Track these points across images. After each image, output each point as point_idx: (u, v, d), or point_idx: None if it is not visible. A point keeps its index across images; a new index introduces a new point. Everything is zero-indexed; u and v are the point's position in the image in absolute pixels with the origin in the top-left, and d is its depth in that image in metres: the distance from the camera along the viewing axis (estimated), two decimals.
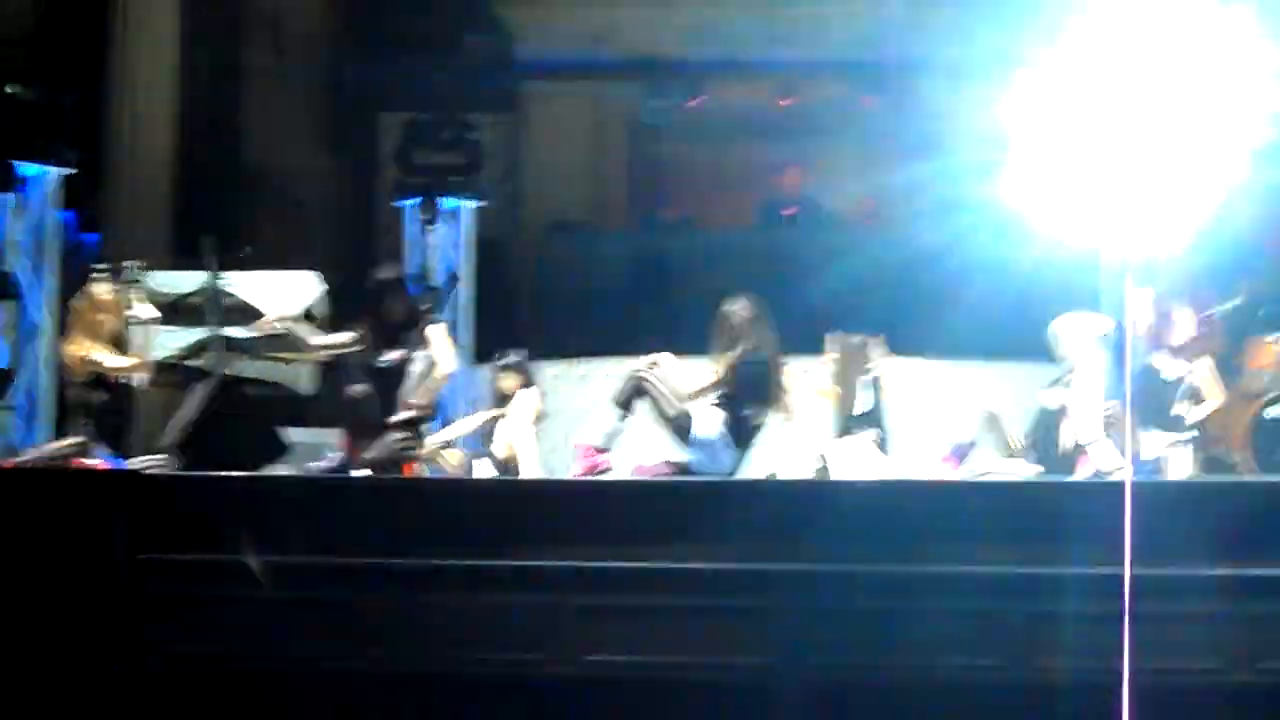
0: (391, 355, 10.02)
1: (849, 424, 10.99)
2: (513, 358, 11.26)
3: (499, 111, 17.45)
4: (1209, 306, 11.81)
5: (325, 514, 8.15)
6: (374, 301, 10.28)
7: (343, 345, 10.39)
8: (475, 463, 10.84)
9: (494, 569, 7.88)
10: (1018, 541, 7.68)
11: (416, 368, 10.05)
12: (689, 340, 13.15)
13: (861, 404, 11.00)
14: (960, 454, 9.96)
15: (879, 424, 10.93)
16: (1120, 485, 7.18)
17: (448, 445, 11.05)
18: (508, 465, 10.94)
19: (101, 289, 10.01)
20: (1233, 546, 7.55)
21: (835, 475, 10.54)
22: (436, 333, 10.16)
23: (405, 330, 10.16)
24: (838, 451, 10.89)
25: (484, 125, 14.14)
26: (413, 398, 10.03)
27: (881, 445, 10.88)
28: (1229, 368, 11.92)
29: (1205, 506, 7.84)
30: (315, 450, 11.67)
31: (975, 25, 17.16)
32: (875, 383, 11.03)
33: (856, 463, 10.80)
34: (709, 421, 9.82)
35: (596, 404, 12.96)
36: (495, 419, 11.15)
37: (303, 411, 12.70)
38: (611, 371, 13.15)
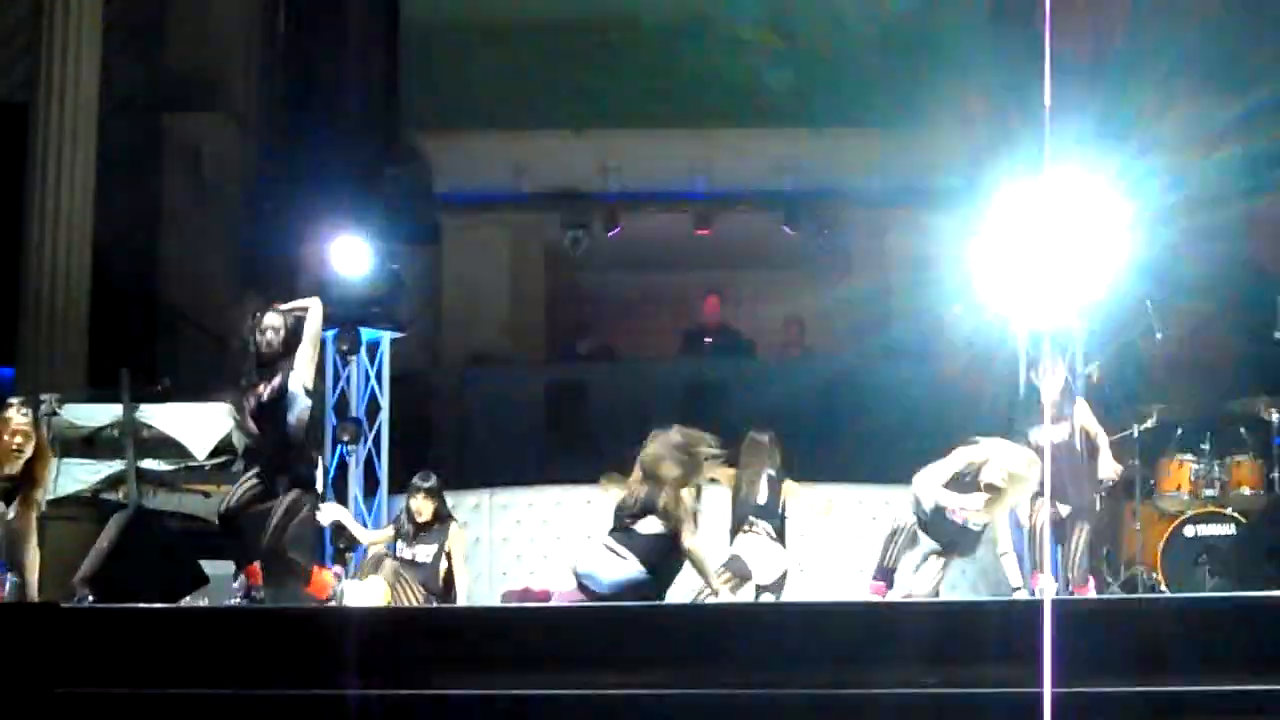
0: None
1: (746, 514, 11.11)
2: (430, 480, 11.30)
3: (419, 242, 17.52)
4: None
5: (245, 646, 8.07)
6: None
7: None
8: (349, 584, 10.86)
9: (420, 698, 7.81)
10: (944, 662, 7.68)
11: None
12: (608, 468, 13.14)
13: (760, 497, 11.13)
14: (885, 576, 10.01)
15: (775, 517, 11.08)
16: (1039, 604, 7.21)
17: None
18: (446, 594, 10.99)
19: (14, 414, 9.91)
20: (1150, 664, 7.58)
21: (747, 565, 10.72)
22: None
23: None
24: (741, 544, 11.01)
25: (403, 256, 14.15)
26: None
27: (775, 537, 11.02)
28: (1145, 488, 12.07)
29: (1124, 624, 7.87)
30: (235, 581, 11.61)
31: (889, 154, 17.54)
32: (773, 479, 11.19)
33: (757, 554, 10.91)
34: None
35: (517, 532, 13.03)
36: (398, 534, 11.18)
37: (222, 544, 12.62)
38: (532, 501, 13.20)
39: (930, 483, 10.09)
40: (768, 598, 11.09)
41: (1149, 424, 12.09)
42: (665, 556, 9.83)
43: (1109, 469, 10.74)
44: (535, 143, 17.79)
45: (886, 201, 17.45)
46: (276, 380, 9.90)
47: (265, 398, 9.92)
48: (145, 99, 17.66)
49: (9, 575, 10.13)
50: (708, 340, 16.95)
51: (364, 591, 10.70)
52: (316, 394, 10.34)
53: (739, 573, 11.06)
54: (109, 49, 15.19)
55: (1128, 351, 12.62)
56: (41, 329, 13.55)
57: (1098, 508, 10.83)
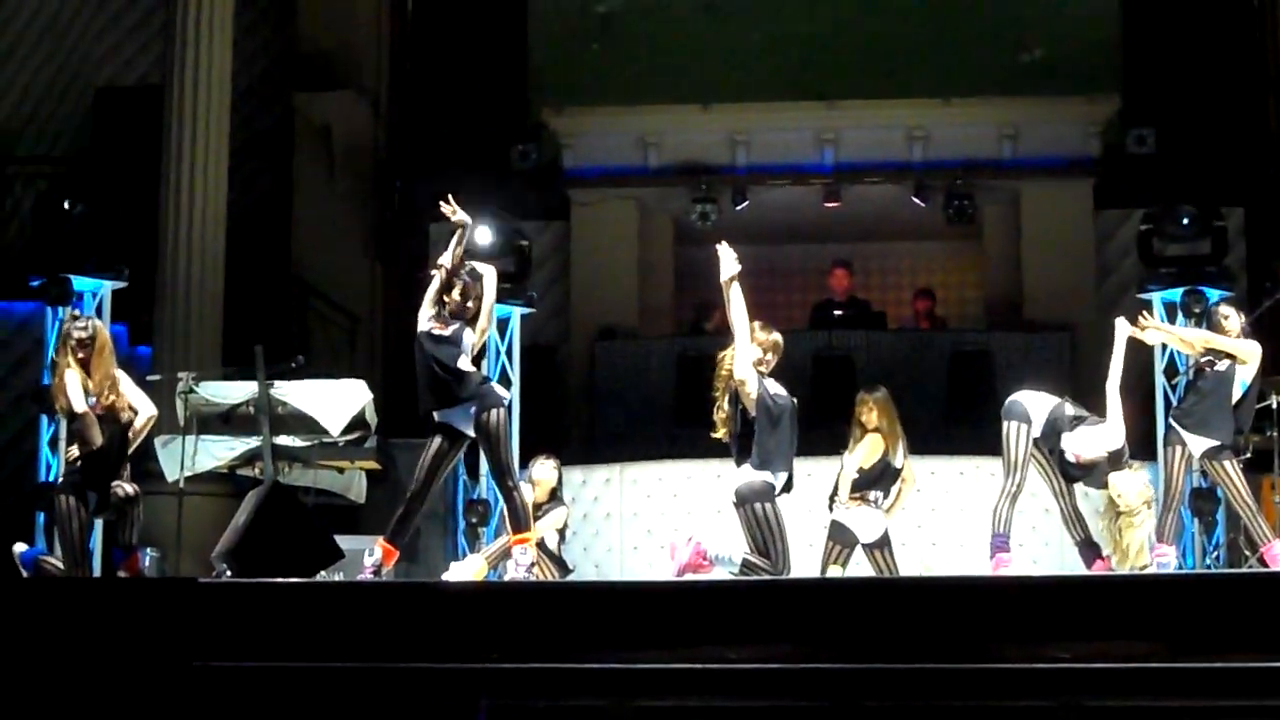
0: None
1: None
2: (548, 462, 11.44)
3: (547, 219, 17.59)
4: None
5: (379, 620, 8.15)
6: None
7: None
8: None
9: (543, 671, 7.86)
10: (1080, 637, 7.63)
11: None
12: None
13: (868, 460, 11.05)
14: (1003, 543, 9.87)
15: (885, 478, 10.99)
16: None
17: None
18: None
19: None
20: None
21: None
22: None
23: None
24: (838, 513, 10.94)
25: (532, 232, 14.21)
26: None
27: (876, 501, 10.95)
28: None
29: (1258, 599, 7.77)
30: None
31: (1020, 123, 17.38)
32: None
33: (855, 518, 10.83)
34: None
35: (647, 507, 13.05)
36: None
37: (358, 519, 12.76)
38: (662, 475, 13.21)
39: (1086, 442, 9.93)
40: (879, 555, 11.06)
41: None
42: None
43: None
44: (663, 117, 17.79)
45: (1018, 171, 17.31)
46: (453, 328, 9.79)
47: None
48: (277, 79, 17.84)
49: (148, 551, 10.31)
50: (837, 312, 16.88)
51: (464, 570, 10.84)
52: None
53: (845, 541, 11.01)
54: (240, 29, 15.36)
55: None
56: (178, 308, 13.74)
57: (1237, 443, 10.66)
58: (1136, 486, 9.97)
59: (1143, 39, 17.96)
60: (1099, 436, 9.97)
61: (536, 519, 11.07)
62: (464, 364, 9.68)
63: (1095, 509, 12.12)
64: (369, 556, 9.57)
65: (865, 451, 10.88)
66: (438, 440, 9.64)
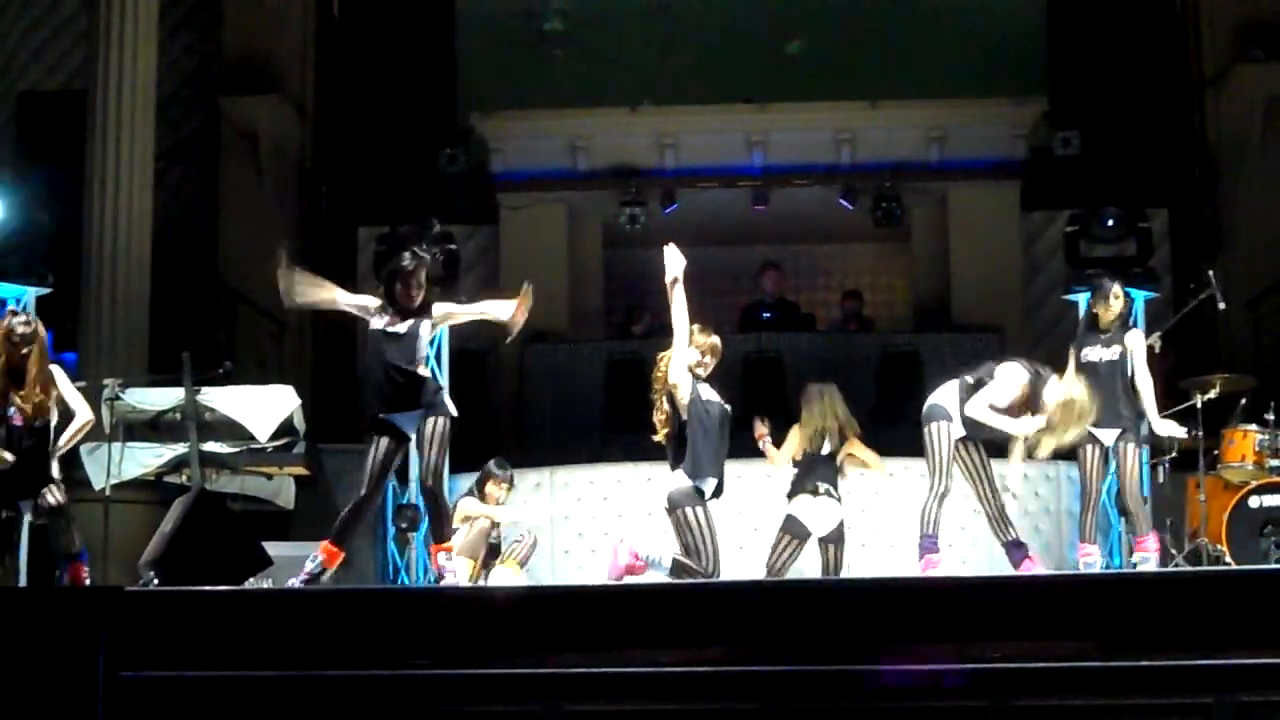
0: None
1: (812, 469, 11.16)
2: (508, 469, 11.51)
3: (476, 223, 17.56)
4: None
5: (309, 627, 8.10)
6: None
7: None
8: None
9: (474, 677, 7.83)
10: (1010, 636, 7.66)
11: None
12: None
13: (824, 448, 11.18)
14: (933, 544, 9.90)
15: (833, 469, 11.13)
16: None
17: None
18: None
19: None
20: (1213, 637, 7.53)
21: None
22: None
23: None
24: (795, 505, 11.02)
25: (461, 237, 14.18)
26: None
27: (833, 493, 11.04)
28: (1209, 459, 11.99)
29: (1187, 597, 7.82)
30: (299, 563, 11.65)
31: (946, 126, 17.48)
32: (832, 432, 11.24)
33: (811, 510, 10.93)
34: None
35: (578, 510, 13.04)
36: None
37: (286, 526, 12.69)
38: (593, 479, 13.21)
39: (981, 406, 9.92)
40: (831, 550, 11.14)
41: (1213, 394, 11.98)
42: None
43: (1146, 388, 10.67)
44: (591, 120, 17.79)
45: (945, 174, 17.39)
46: (408, 324, 9.63)
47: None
48: (202, 83, 17.76)
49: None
50: (766, 315, 16.92)
51: (506, 577, 10.88)
52: None
53: (797, 533, 11.10)
54: (164, 33, 15.24)
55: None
56: (103, 315, 13.63)
57: (1141, 430, 10.75)
58: (1055, 393, 9.92)
59: (1068, 42, 18.10)
60: (1000, 387, 9.93)
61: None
62: (420, 369, 9.57)
63: (1024, 509, 12.24)
64: (311, 561, 9.45)
65: (786, 446, 11.07)
66: (385, 441, 9.51)
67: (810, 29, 17.94)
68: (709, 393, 9.55)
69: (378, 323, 9.54)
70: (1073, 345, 10.94)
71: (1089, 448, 10.55)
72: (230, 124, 17.58)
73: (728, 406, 9.57)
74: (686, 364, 9.46)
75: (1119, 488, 10.98)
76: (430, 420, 9.51)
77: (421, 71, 18.65)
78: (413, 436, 9.57)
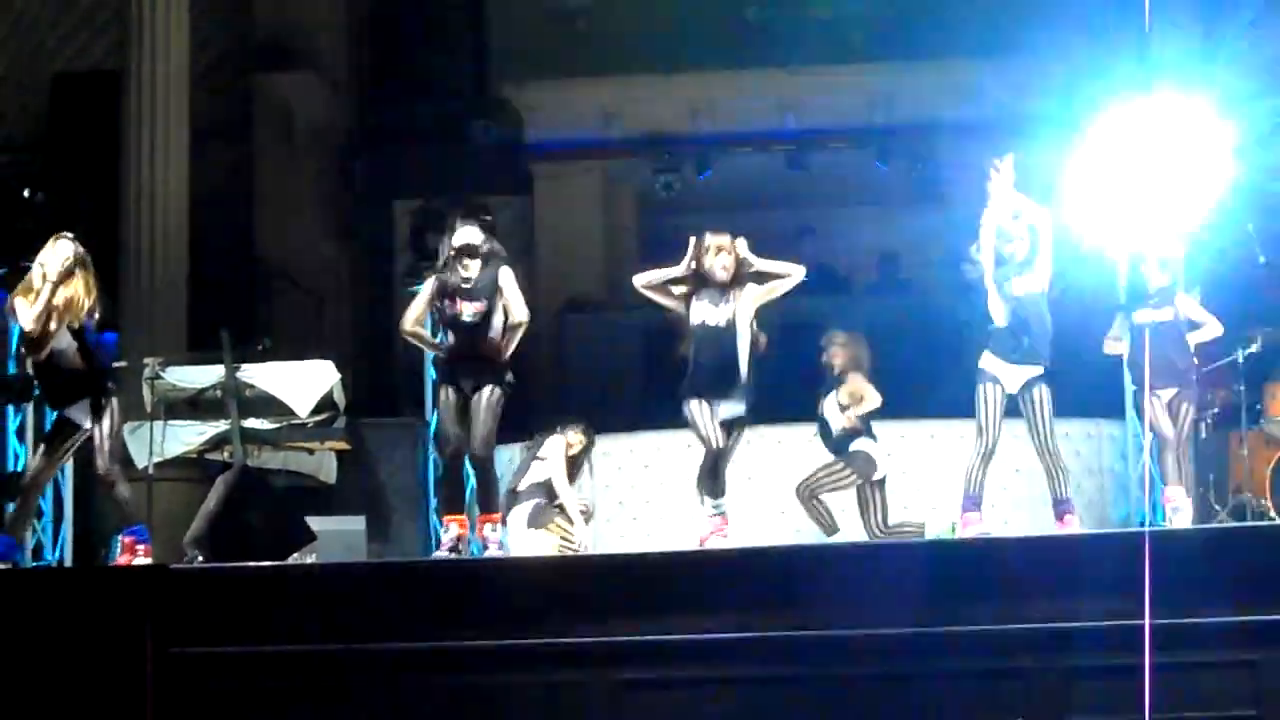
0: (474, 307, 9.77)
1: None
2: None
3: (510, 193, 17.55)
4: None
5: (353, 601, 8.14)
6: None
7: None
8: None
9: (541, 646, 7.85)
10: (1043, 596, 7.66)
11: (496, 320, 9.75)
12: None
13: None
14: (974, 504, 9.84)
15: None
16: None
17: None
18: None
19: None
20: (1258, 593, 7.51)
21: None
22: (507, 278, 9.84)
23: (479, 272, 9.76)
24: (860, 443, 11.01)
25: (496, 207, 14.17)
26: (499, 353, 9.76)
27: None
28: (1252, 414, 11.92)
29: (1230, 554, 7.80)
30: (343, 538, 11.70)
31: (981, 84, 17.39)
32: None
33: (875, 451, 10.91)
34: None
35: (618, 479, 13.05)
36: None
37: (329, 500, 12.73)
38: (633, 447, 13.20)
39: None
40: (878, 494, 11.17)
41: (1254, 348, 11.89)
42: None
43: (1214, 330, 10.77)
44: (624, 88, 17.75)
45: (980, 133, 17.29)
46: (483, 303, 9.75)
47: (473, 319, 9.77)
48: (236, 61, 17.77)
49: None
50: (804, 279, 16.85)
51: (537, 543, 10.85)
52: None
53: (864, 472, 11.04)
54: (198, 11, 15.26)
55: (1231, 276, 12.48)
56: (142, 293, 13.69)
57: (1196, 382, 10.73)
58: None
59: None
60: None
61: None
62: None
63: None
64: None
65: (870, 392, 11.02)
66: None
67: None
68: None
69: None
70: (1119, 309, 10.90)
71: (1153, 401, 10.44)
72: (264, 101, 17.59)
73: None
74: None
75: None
76: (482, 390, 9.58)
77: (453, 43, 18.64)
78: None
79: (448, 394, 9.81)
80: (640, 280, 9.85)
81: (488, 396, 9.67)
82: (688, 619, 7.84)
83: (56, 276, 9.66)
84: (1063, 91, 17.32)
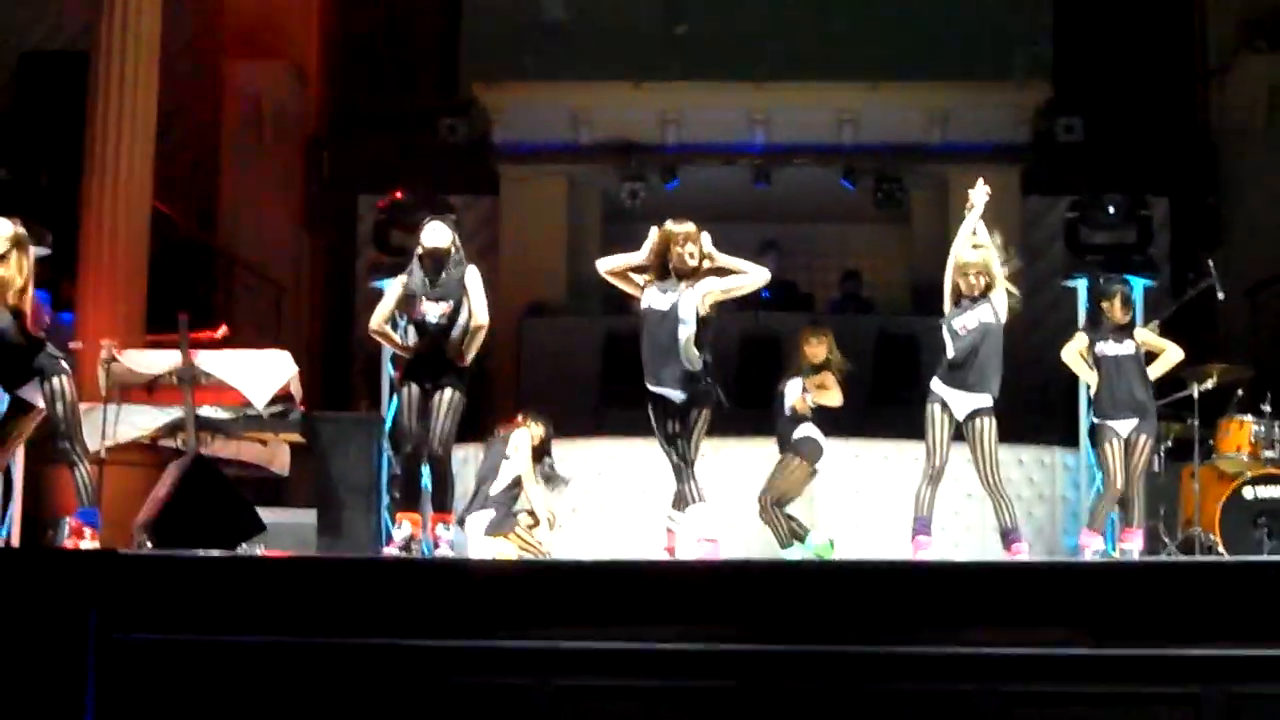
0: (440, 309, 9.74)
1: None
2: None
3: (476, 193, 17.54)
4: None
5: (301, 594, 8.11)
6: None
7: None
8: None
9: (487, 649, 7.83)
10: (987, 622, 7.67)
11: (461, 320, 9.75)
12: None
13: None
14: (924, 526, 9.84)
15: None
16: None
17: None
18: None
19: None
20: (1203, 626, 7.54)
21: None
22: (473, 280, 9.84)
23: (444, 272, 9.77)
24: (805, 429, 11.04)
25: (461, 206, 14.15)
26: (461, 353, 9.75)
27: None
28: (1204, 449, 11.99)
29: (1178, 587, 7.82)
30: (293, 530, 11.66)
31: (949, 108, 17.48)
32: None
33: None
34: None
35: (572, 484, 13.02)
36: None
37: (280, 492, 12.69)
38: (588, 453, 13.21)
39: None
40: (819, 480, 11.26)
41: (1209, 384, 11.97)
42: None
43: (1175, 356, 10.95)
44: (594, 94, 17.78)
45: (947, 156, 17.38)
46: (449, 304, 9.76)
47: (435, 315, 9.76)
48: (206, 46, 17.70)
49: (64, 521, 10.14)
50: (764, 294, 16.88)
51: (497, 551, 10.85)
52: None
53: (810, 456, 11.05)
54: None
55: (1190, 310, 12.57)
56: (102, 275, 13.60)
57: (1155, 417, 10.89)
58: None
59: (1073, 27, 18.07)
60: None
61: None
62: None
63: (1017, 494, 12.23)
64: None
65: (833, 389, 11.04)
66: None
67: (815, 8, 17.89)
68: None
69: None
70: (1083, 331, 11.03)
71: (1111, 441, 10.68)
72: (232, 88, 17.55)
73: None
74: None
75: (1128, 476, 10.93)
76: (442, 390, 9.64)
77: (425, 40, 18.63)
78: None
79: (410, 391, 9.81)
80: (603, 265, 9.88)
81: (448, 397, 9.69)
82: (635, 628, 7.83)
83: None
84: (1030, 120, 17.49)
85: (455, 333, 9.76)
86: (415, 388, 9.77)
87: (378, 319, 10.04)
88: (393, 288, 10.00)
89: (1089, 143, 17.37)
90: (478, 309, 9.79)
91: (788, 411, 11.10)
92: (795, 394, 11.08)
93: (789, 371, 11.31)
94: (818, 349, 11.19)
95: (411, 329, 9.98)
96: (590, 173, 17.89)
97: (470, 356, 9.80)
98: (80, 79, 14.33)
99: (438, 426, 9.67)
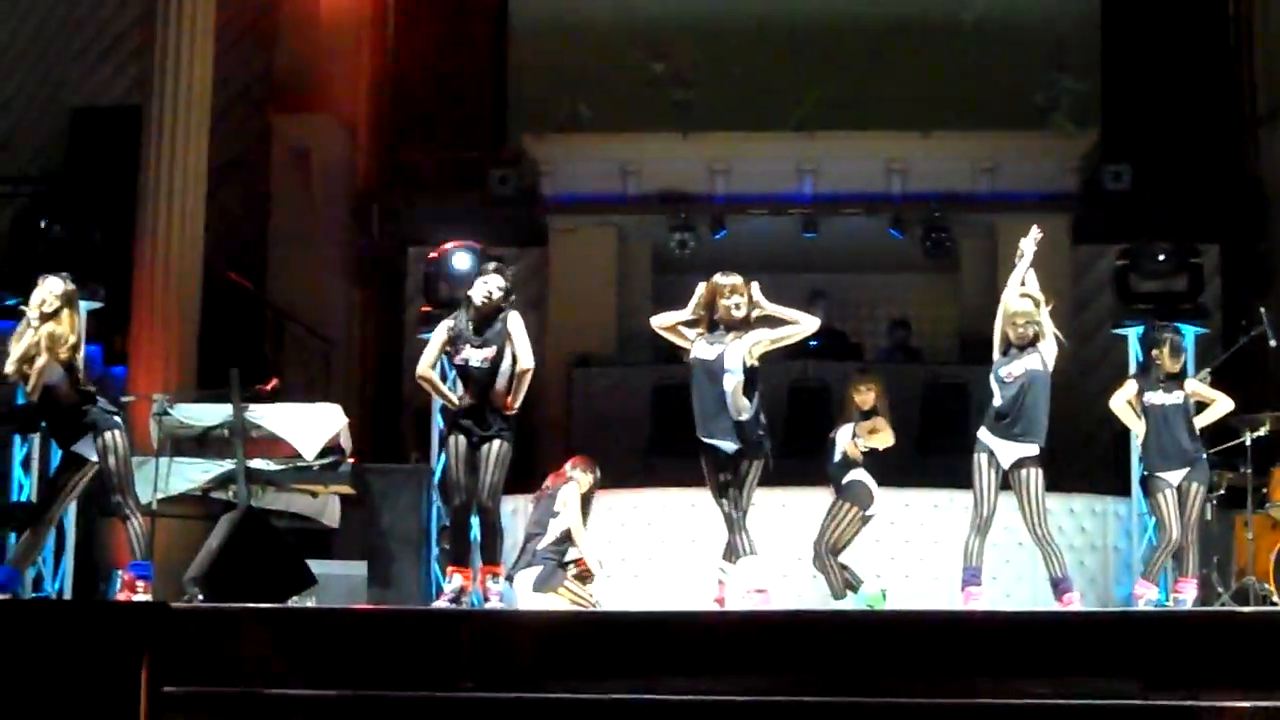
0: (484, 354, 9.77)
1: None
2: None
3: (525, 244, 17.59)
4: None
5: (352, 647, 8.12)
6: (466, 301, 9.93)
7: None
8: None
9: (514, 701, 7.82)
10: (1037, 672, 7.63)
11: (504, 367, 9.73)
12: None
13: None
14: (974, 577, 9.77)
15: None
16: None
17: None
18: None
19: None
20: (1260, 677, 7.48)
21: None
22: (515, 323, 9.84)
23: (491, 322, 9.78)
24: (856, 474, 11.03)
25: (509, 259, 14.20)
26: (508, 402, 9.72)
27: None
28: (1258, 498, 11.91)
29: (1232, 637, 7.77)
30: (344, 582, 11.68)
31: (999, 157, 17.47)
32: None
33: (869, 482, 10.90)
34: None
35: (621, 535, 13.02)
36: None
37: (331, 544, 12.72)
38: (637, 503, 13.20)
39: None
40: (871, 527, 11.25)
41: (1262, 431, 11.89)
42: None
43: (1225, 406, 10.91)
44: (643, 145, 17.84)
45: (995, 205, 17.35)
46: (493, 350, 9.76)
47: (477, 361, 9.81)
48: (256, 100, 17.84)
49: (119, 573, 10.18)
50: (813, 343, 16.87)
51: (546, 605, 10.83)
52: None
53: (863, 503, 11.04)
54: (219, 49, 15.32)
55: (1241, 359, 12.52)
56: (154, 330, 13.70)
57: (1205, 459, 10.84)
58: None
59: (1121, 75, 18.05)
60: None
61: None
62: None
63: (1069, 544, 12.17)
64: None
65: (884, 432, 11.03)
66: None
67: (863, 58, 17.94)
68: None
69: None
70: (1134, 379, 11.00)
71: (1165, 492, 10.65)
72: (282, 141, 17.65)
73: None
74: None
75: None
76: (490, 442, 9.67)
77: (473, 92, 18.72)
78: None
79: (457, 443, 9.80)
80: (656, 321, 9.90)
81: (496, 448, 9.67)
82: (685, 680, 7.80)
83: (37, 315, 9.67)
84: (1078, 169, 17.46)
85: (500, 381, 9.75)
86: (463, 439, 9.76)
87: (425, 364, 10.04)
88: (439, 332, 9.99)
89: (1138, 190, 17.32)
90: (522, 353, 9.78)
91: (838, 457, 11.10)
92: (846, 439, 11.07)
93: (839, 419, 11.31)
94: (867, 395, 11.18)
95: (458, 380, 9.99)
96: (639, 224, 17.92)
97: (517, 402, 9.79)
98: (132, 134, 14.49)
99: (486, 478, 9.66)
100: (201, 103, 14.37)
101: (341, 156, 17.96)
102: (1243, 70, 17.88)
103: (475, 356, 9.74)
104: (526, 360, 9.78)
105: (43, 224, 12.78)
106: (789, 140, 17.61)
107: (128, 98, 16.83)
